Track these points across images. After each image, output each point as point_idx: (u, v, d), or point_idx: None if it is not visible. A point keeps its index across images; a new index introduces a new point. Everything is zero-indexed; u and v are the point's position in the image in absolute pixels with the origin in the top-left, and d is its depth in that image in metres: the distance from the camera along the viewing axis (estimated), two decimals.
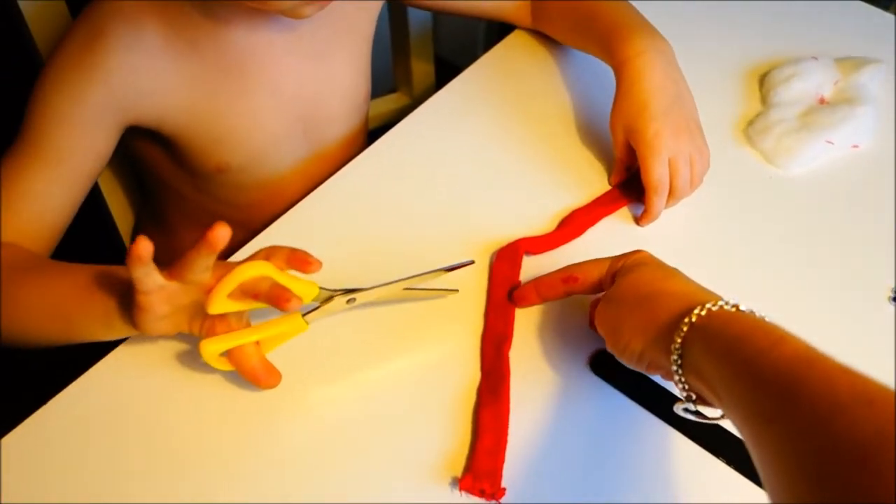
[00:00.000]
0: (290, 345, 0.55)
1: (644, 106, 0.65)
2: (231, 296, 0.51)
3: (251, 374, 0.53)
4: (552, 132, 0.74)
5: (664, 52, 0.68)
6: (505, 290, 0.62)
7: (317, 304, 0.55)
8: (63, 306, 0.55)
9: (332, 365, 0.57)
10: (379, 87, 0.83)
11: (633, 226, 0.68)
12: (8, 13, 0.69)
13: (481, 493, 0.51)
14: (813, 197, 0.71)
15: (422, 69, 0.99)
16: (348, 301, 0.57)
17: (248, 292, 0.51)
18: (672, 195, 0.66)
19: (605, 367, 0.58)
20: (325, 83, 0.72)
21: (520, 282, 0.62)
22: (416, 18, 0.94)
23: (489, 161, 0.72)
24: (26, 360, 0.59)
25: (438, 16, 0.98)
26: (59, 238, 0.63)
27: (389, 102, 1.00)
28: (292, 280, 0.52)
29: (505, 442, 0.54)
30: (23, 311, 0.56)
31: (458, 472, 0.53)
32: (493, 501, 0.51)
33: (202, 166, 0.69)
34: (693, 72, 0.70)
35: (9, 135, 0.61)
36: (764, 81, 0.79)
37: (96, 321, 0.54)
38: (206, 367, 0.55)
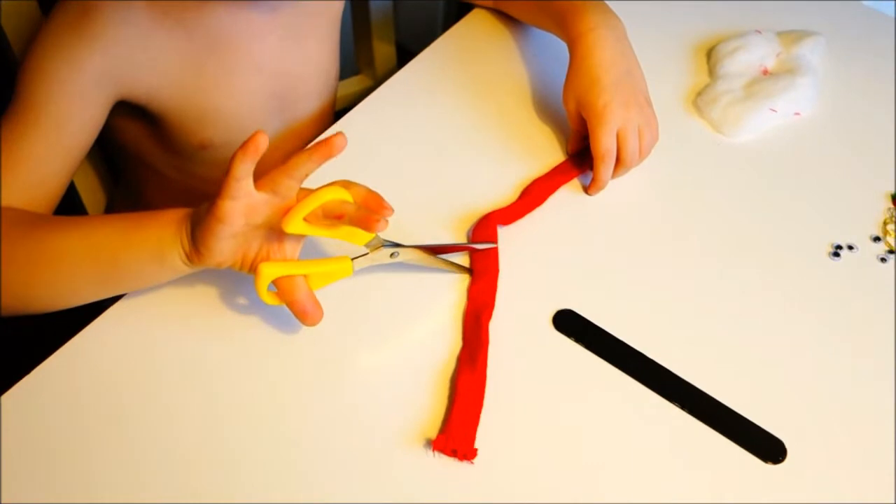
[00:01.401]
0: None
1: (595, 79, 0.68)
2: (307, 219, 0.52)
3: (299, 306, 0.54)
4: (510, 107, 0.77)
5: (615, 29, 0.71)
6: (486, 262, 0.64)
7: (366, 250, 0.58)
8: (108, 247, 0.54)
9: (322, 327, 0.58)
10: (343, 70, 0.85)
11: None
12: None
13: (453, 453, 0.53)
14: (759, 162, 0.75)
15: (384, 52, 1.01)
16: (392, 255, 0.59)
17: (330, 213, 0.53)
18: (620, 164, 0.69)
19: (567, 324, 0.62)
20: (301, 62, 0.74)
21: (497, 251, 0.65)
22: (377, 2, 0.97)
23: (450, 136, 0.74)
24: (18, 325, 0.59)
25: (397, 2, 1.01)
26: (55, 207, 0.63)
27: (353, 84, 1.02)
28: (349, 229, 0.54)
29: (479, 406, 0.56)
30: (59, 261, 0.55)
31: (434, 435, 0.55)
32: (466, 461, 0.53)
33: (185, 142, 0.71)
34: (644, 47, 0.73)
35: None
36: (711, 55, 0.83)
37: (147, 257, 0.54)
38: (201, 323, 0.57)
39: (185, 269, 0.55)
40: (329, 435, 0.55)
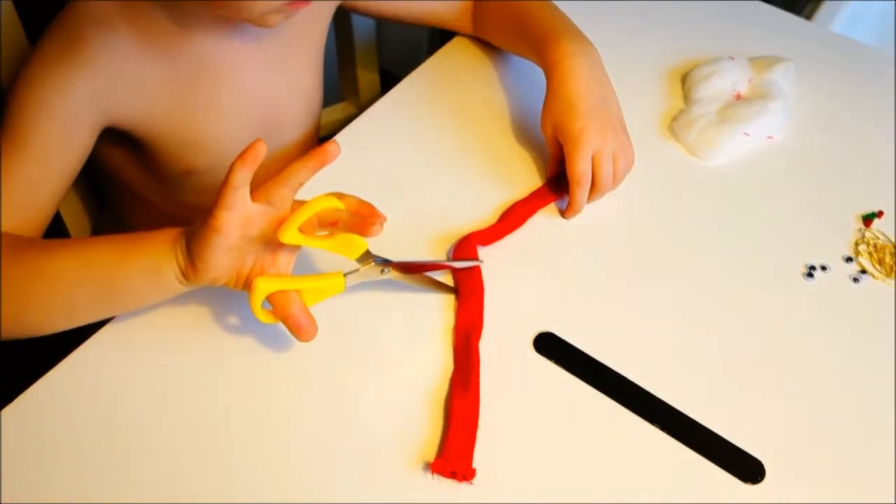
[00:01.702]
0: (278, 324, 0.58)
1: (571, 105, 0.69)
2: (302, 229, 0.53)
3: (294, 320, 0.55)
4: (490, 133, 0.79)
5: (591, 57, 0.73)
6: (469, 282, 0.65)
7: (357, 265, 0.59)
8: (103, 266, 0.55)
9: (314, 347, 0.59)
10: (327, 97, 0.86)
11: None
12: None
13: (452, 475, 0.54)
14: (733, 184, 0.77)
15: (367, 79, 1.03)
16: (382, 271, 0.61)
17: (325, 221, 0.54)
18: (595, 188, 0.70)
19: (548, 347, 0.63)
20: (285, 88, 0.75)
21: (480, 270, 0.66)
22: (361, 30, 0.98)
23: (432, 162, 0.76)
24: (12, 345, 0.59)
25: (382, 29, 1.03)
26: (44, 232, 0.63)
27: (337, 111, 1.04)
28: (344, 237, 0.56)
29: (475, 427, 0.57)
30: (54, 282, 0.55)
31: (432, 457, 0.56)
32: (465, 483, 0.54)
33: (171, 169, 0.72)
34: (621, 73, 0.75)
35: None
36: (685, 80, 0.85)
37: (143, 275, 0.54)
38: (193, 344, 0.58)
39: (181, 288, 0.56)
40: (325, 459, 0.56)
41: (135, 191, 0.76)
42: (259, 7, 0.61)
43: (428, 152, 0.77)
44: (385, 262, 0.61)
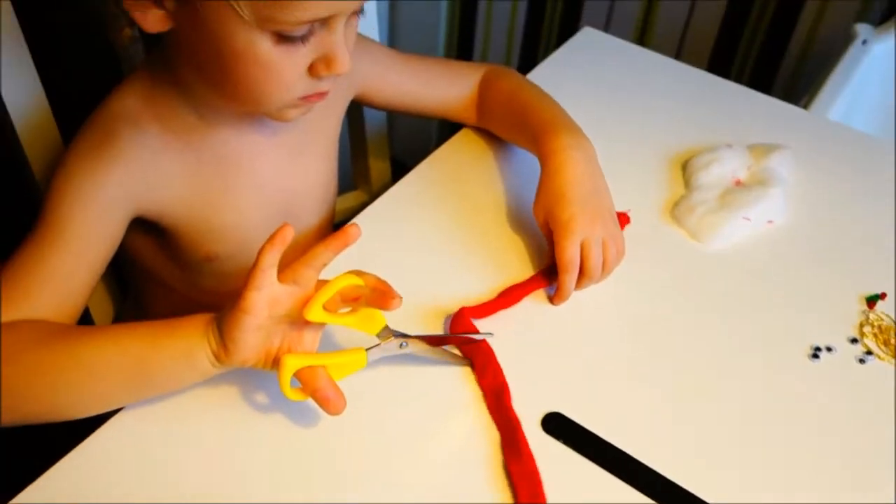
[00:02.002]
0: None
1: (562, 194, 0.72)
2: (325, 306, 0.56)
3: (322, 394, 0.57)
4: (494, 221, 0.81)
5: (585, 150, 0.75)
6: (480, 353, 0.67)
7: (378, 340, 0.62)
8: (137, 351, 0.57)
9: (348, 423, 0.60)
10: (340, 185, 0.90)
11: (574, 294, 0.74)
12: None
13: None
14: (735, 268, 0.79)
15: (378, 168, 1.07)
16: (401, 345, 0.63)
17: (347, 297, 0.57)
18: (584, 276, 0.71)
19: (556, 427, 0.63)
20: (301, 179, 0.79)
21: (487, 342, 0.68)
22: (373, 122, 1.03)
23: (440, 245, 0.78)
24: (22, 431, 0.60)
25: (393, 120, 1.07)
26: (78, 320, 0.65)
27: (350, 199, 1.07)
28: (367, 312, 0.59)
29: (541, 487, 0.58)
30: (90, 368, 0.57)
31: None
32: None
33: (192, 255, 0.74)
34: (623, 161, 0.78)
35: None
36: (686, 167, 0.88)
37: (176, 359, 0.57)
38: (215, 425, 0.59)
39: (213, 370, 0.58)
40: None
41: (157, 277, 0.79)
42: (278, 102, 0.65)
43: (435, 237, 0.79)
44: (403, 336, 0.63)
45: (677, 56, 1.49)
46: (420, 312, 0.71)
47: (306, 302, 0.56)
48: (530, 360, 0.68)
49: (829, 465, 0.63)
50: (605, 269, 0.72)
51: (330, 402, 0.57)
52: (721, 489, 0.60)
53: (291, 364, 0.57)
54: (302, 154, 0.79)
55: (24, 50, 0.73)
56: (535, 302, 0.73)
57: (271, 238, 0.54)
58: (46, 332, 0.59)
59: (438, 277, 0.75)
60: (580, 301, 0.74)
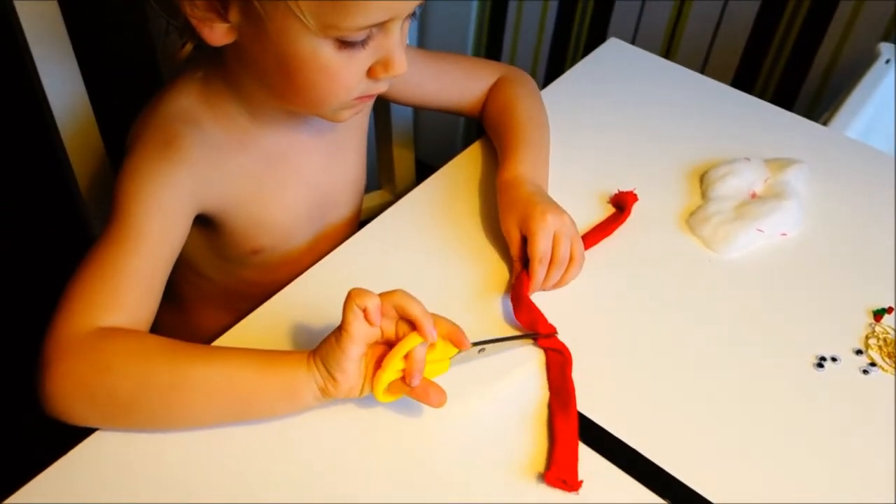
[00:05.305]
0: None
1: (529, 198, 0.76)
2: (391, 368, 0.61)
3: (422, 389, 0.61)
4: None
5: (536, 183, 0.80)
6: (548, 326, 0.72)
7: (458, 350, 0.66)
8: (245, 383, 0.60)
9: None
10: (367, 184, 0.93)
11: (590, 297, 0.77)
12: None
13: (563, 484, 0.60)
14: (747, 277, 0.81)
15: (403, 169, 1.10)
16: (479, 351, 0.67)
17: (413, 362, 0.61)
18: (553, 265, 0.74)
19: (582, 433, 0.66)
20: (339, 174, 0.83)
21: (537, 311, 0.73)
22: (399, 125, 1.06)
23: (462, 246, 0.81)
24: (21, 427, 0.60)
25: (419, 121, 1.10)
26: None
27: (375, 198, 1.10)
28: (441, 343, 0.63)
29: (576, 444, 0.63)
30: (195, 390, 0.60)
31: (541, 469, 0.62)
32: (572, 492, 0.60)
33: (240, 249, 0.78)
34: (643, 171, 0.80)
35: None
36: (703, 179, 0.90)
37: (280, 392, 0.61)
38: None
39: (314, 404, 0.62)
40: (447, 478, 0.62)
41: (195, 267, 0.81)
42: (336, 105, 0.68)
43: (457, 239, 0.82)
44: (482, 343, 0.67)
45: (703, 70, 1.50)
46: (441, 313, 0.73)
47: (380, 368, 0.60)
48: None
49: (831, 470, 0.65)
50: (573, 261, 0.75)
51: (430, 395, 0.61)
52: (725, 492, 0.62)
53: (385, 379, 0.60)
54: (340, 150, 0.83)
55: (70, 52, 0.76)
56: (548, 304, 0.76)
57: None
58: (154, 346, 0.61)
59: (460, 279, 0.78)
60: (593, 303, 0.76)
